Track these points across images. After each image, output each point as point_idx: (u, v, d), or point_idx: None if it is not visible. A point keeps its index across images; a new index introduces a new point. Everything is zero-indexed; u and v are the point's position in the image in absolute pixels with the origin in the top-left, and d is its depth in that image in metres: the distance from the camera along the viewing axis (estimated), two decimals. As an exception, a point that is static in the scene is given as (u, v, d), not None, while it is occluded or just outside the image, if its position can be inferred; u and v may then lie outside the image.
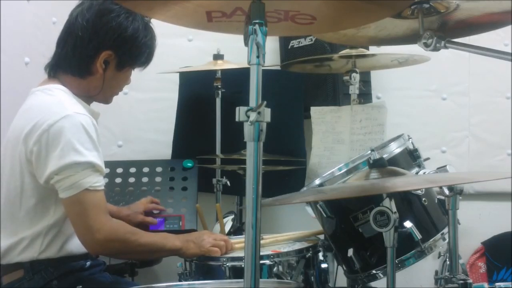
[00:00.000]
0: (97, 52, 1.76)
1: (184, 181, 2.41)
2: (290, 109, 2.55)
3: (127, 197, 2.30)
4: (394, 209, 1.38)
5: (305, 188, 1.91)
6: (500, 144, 2.87)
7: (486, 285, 2.75)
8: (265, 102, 1.06)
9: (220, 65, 2.43)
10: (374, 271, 1.68)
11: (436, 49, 1.44)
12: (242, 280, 1.07)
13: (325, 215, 1.75)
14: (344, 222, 1.71)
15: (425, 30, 1.45)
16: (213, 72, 2.51)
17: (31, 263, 1.70)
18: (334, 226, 1.76)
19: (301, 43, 2.64)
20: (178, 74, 2.68)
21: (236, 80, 2.33)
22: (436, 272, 1.86)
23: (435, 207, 1.73)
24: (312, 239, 1.89)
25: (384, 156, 1.67)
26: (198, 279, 1.70)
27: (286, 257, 1.68)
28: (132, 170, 2.43)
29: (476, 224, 2.81)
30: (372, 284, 1.77)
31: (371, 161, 1.59)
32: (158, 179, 2.42)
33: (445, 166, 1.62)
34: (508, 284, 2.57)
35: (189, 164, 2.47)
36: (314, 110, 2.46)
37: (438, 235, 1.70)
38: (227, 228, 2.14)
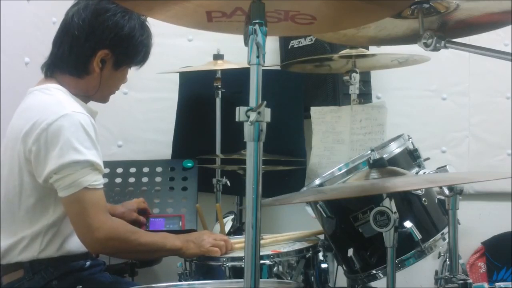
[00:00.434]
0: (93, 51, 1.76)
1: (184, 181, 2.41)
2: (290, 109, 2.55)
3: (127, 197, 2.30)
4: (394, 209, 1.38)
5: (305, 188, 1.91)
6: (500, 144, 2.87)
7: (486, 285, 2.75)
8: (265, 102, 1.06)
9: (220, 65, 2.43)
10: (374, 271, 1.68)
11: (436, 49, 1.44)
12: (242, 280, 1.07)
13: (325, 215, 1.75)
14: (344, 222, 1.71)
15: (425, 30, 1.45)
16: (213, 72, 2.51)
17: (31, 262, 1.70)
18: (334, 226, 1.76)
19: (301, 43, 2.64)
20: (178, 74, 2.68)
21: (236, 80, 2.33)
22: (436, 272, 1.86)
23: (435, 207, 1.73)
24: (312, 239, 1.89)
25: (384, 156, 1.67)
26: (198, 279, 1.70)
27: (286, 257, 1.68)
28: (132, 170, 2.43)
29: (476, 224, 2.82)
30: (372, 284, 1.76)
31: (371, 161, 1.59)
32: (158, 179, 2.42)
33: (445, 166, 1.62)
34: (508, 284, 2.57)
35: (189, 164, 2.47)
36: (314, 110, 2.46)
37: (438, 235, 1.70)
38: (227, 228, 2.14)
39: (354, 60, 2.28)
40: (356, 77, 2.28)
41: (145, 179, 2.40)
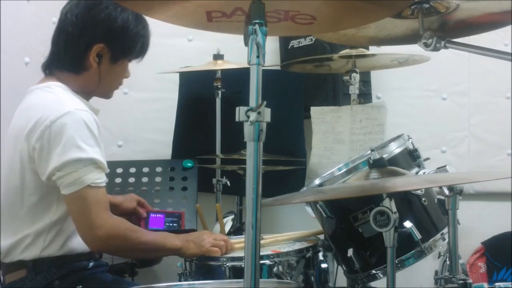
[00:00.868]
0: (88, 46, 1.75)
1: (184, 181, 2.41)
2: (290, 109, 2.55)
3: (127, 197, 2.29)
4: (394, 209, 1.38)
5: (305, 188, 1.91)
6: (500, 144, 2.87)
7: (486, 285, 2.75)
8: (265, 102, 1.06)
9: (220, 65, 2.43)
10: (374, 271, 1.68)
11: (436, 49, 1.44)
12: (242, 280, 1.07)
13: (325, 215, 1.75)
14: (344, 222, 1.71)
15: (425, 30, 1.45)
16: (213, 72, 2.51)
17: (33, 262, 1.70)
18: (334, 226, 1.76)
19: (301, 43, 2.64)
20: (178, 74, 2.68)
21: (236, 80, 2.33)
22: (436, 272, 1.86)
23: (435, 207, 1.73)
24: (312, 239, 1.89)
25: (384, 156, 1.67)
26: (198, 279, 1.70)
27: (286, 257, 1.68)
28: (132, 170, 2.43)
29: (476, 224, 2.81)
30: (372, 284, 1.77)
31: (371, 161, 1.59)
32: (158, 179, 2.42)
33: (445, 166, 1.62)
34: (508, 284, 2.57)
35: (189, 164, 2.47)
36: (314, 110, 2.46)
37: (438, 235, 1.70)
38: (227, 228, 2.14)
39: (354, 60, 2.28)
40: (356, 77, 2.28)
41: (145, 179, 2.40)
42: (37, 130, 1.64)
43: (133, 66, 1.91)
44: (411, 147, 1.81)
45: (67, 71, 1.78)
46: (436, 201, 1.73)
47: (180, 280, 1.74)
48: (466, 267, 2.78)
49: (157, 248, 1.76)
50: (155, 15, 1.25)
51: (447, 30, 1.51)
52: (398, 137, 1.83)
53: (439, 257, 1.97)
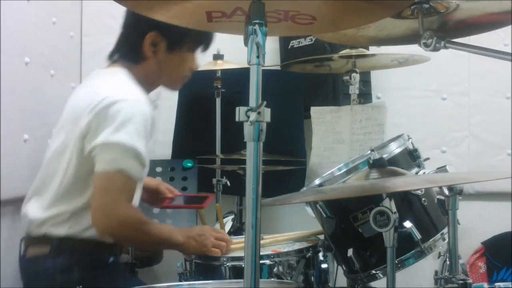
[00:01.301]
0: (142, 35, 1.77)
1: (184, 181, 2.41)
2: (290, 109, 2.55)
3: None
4: (394, 209, 1.37)
5: (305, 188, 1.91)
6: (500, 144, 2.87)
7: (486, 285, 2.75)
8: (265, 102, 1.05)
9: (220, 65, 2.43)
10: (374, 271, 1.67)
11: (436, 49, 1.44)
12: (242, 280, 1.07)
13: (325, 215, 1.75)
14: (344, 222, 1.71)
15: (425, 30, 1.45)
16: (213, 72, 2.51)
17: (59, 240, 1.70)
18: (334, 226, 1.76)
19: (301, 43, 2.64)
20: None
21: (236, 80, 2.33)
22: (436, 272, 1.85)
23: (435, 207, 1.73)
24: (312, 239, 1.89)
25: (384, 156, 1.67)
26: (198, 279, 1.70)
27: (286, 257, 1.68)
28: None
29: (476, 224, 2.81)
30: (372, 284, 1.77)
31: (371, 161, 1.59)
32: (158, 179, 2.41)
33: (445, 166, 1.62)
34: (508, 284, 2.57)
35: (189, 164, 2.47)
36: (314, 110, 2.46)
37: (438, 235, 1.70)
38: (227, 228, 2.14)
39: (354, 60, 2.28)
40: (356, 77, 2.28)
41: (145, 179, 2.40)
42: (96, 108, 1.65)
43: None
44: (411, 147, 1.81)
45: (127, 60, 1.81)
46: (436, 201, 1.73)
47: (180, 280, 1.74)
48: (466, 267, 2.78)
49: (162, 242, 1.75)
50: (155, 15, 1.25)
51: (447, 30, 1.51)
52: (398, 137, 1.83)
53: (439, 257, 1.97)
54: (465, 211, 1.64)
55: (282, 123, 2.31)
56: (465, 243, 2.74)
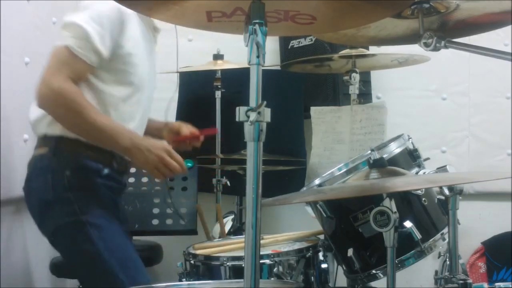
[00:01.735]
0: None
1: (184, 181, 2.41)
2: (290, 109, 2.56)
3: (127, 197, 2.29)
4: (394, 209, 1.37)
5: (305, 188, 1.91)
6: (500, 144, 2.87)
7: (486, 285, 2.75)
8: (265, 102, 1.06)
9: (220, 65, 2.43)
10: (374, 271, 1.67)
11: (436, 49, 1.44)
12: (242, 280, 1.07)
13: (325, 215, 1.75)
14: (344, 222, 1.71)
15: (425, 30, 1.45)
16: (213, 72, 2.51)
17: (57, 140, 1.75)
18: (334, 226, 1.76)
19: (301, 43, 2.64)
20: (178, 74, 2.68)
21: (236, 80, 2.33)
22: (436, 272, 1.85)
23: (435, 207, 1.73)
24: (312, 239, 1.89)
25: (384, 156, 1.67)
26: (198, 279, 1.70)
27: (286, 257, 1.68)
28: (132, 170, 2.43)
29: (476, 224, 2.81)
30: (372, 284, 1.77)
31: (371, 161, 1.59)
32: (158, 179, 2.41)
33: (445, 166, 1.62)
34: (508, 284, 2.56)
35: (189, 164, 2.46)
36: (314, 110, 2.46)
37: (438, 235, 1.70)
38: (227, 228, 2.14)
39: (354, 60, 2.28)
40: (356, 77, 2.28)
41: (145, 179, 2.40)
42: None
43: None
44: (411, 147, 1.81)
45: None
46: (436, 201, 1.73)
47: (180, 280, 1.74)
48: (466, 267, 2.78)
49: (101, 134, 1.73)
50: (155, 15, 1.25)
51: (447, 30, 1.51)
52: (398, 137, 1.83)
53: (439, 257, 1.97)
54: (465, 211, 1.64)
55: (282, 123, 2.31)
56: (465, 243, 2.74)
